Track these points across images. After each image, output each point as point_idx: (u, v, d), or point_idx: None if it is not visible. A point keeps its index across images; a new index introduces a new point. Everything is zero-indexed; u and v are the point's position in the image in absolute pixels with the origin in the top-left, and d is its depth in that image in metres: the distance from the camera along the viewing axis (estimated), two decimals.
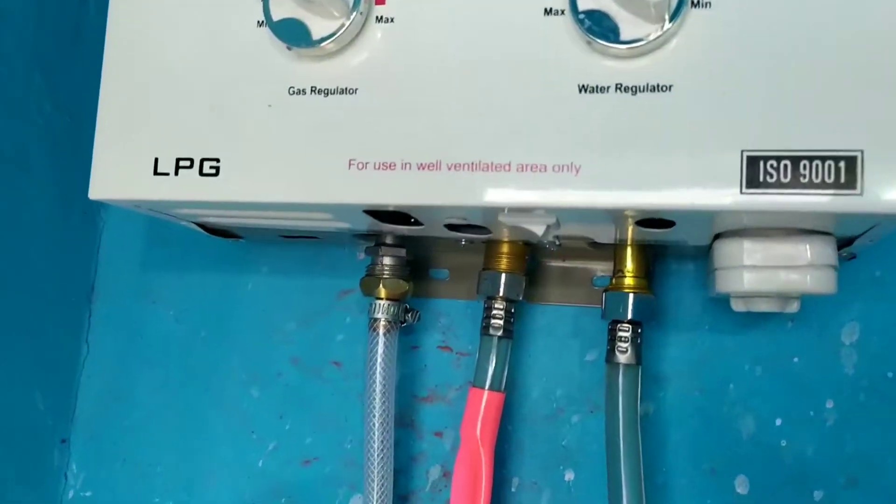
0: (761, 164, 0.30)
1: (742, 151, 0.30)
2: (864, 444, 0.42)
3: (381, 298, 0.44)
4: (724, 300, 0.43)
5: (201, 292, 0.52)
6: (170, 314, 0.53)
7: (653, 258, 0.43)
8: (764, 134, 0.30)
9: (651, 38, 0.31)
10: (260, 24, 0.36)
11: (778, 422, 0.43)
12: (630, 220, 0.34)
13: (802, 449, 0.43)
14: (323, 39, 0.34)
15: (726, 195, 0.30)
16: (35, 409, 0.50)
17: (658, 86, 0.31)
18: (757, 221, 0.33)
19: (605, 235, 0.39)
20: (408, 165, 0.34)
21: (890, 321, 0.43)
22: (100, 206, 0.54)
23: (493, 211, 0.34)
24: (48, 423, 0.51)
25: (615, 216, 0.34)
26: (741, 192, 0.30)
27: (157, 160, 0.37)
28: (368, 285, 0.44)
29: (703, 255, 0.43)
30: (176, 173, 0.36)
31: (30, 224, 0.49)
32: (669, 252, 0.44)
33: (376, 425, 0.44)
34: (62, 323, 0.52)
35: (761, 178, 0.30)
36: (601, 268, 0.46)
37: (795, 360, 0.43)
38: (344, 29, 0.34)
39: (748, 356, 0.44)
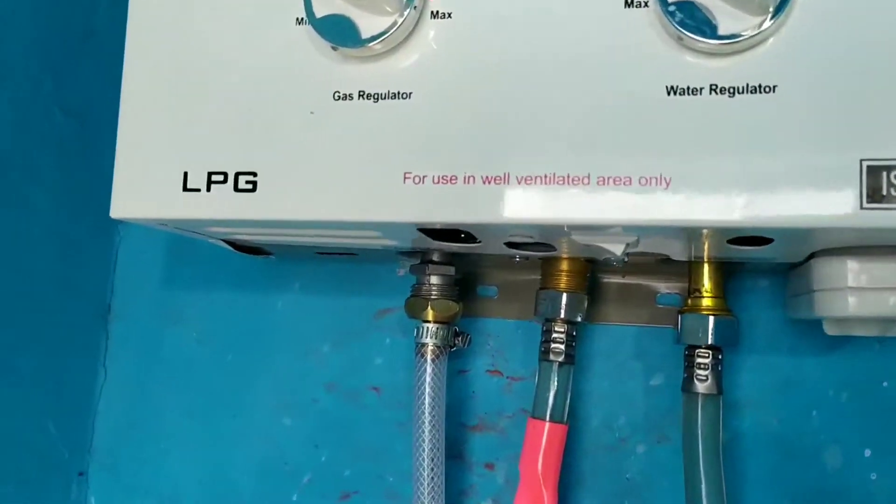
0: (884, 174, 0.26)
1: (861, 161, 0.26)
2: None
3: (429, 321, 0.40)
4: (805, 320, 0.39)
5: (227, 312, 0.49)
6: (193, 336, 0.49)
7: (726, 275, 0.39)
8: (887, 140, 0.26)
9: (752, 32, 0.27)
10: (300, 21, 0.32)
11: (867, 453, 0.39)
12: (722, 238, 0.31)
13: (895, 482, 0.39)
14: (373, 38, 0.31)
15: (843, 211, 0.27)
16: (49, 439, 0.46)
17: (760, 86, 0.28)
18: (874, 239, 0.29)
19: (682, 252, 0.35)
20: (471, 179, 0.30)
21: None
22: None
23: (568, 229, 0.30)
24: (64, 454, 0.47)
25: (706, 233, 0.30)
26: (861, 208, 0.26)
27: (186, 175, 0.33)
28: (414, 307, 0.40)
29: (780, 271, 0.40)
30: (208, 189, 0.33)
31: (40, 238, 0.45)
32: (744, 268, 0.40)
33: (426, 459, 0.40)
34: (77, 346, 0.49)
35: (885, 191, 0.26)
36: (665, 285, 0.42)
37: (885, 384, 0.40)
38: (397, 26, 0.30)
39: (832, 381, 0.40)
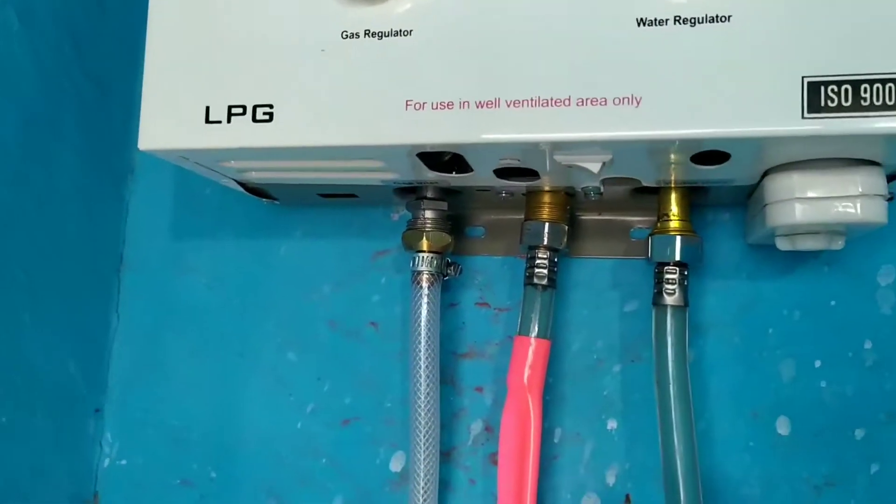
0: (822, 89, 0.31)
1: (803, 77, 0.31)
2: None
3: (424, 251, 0.44)
4: (761, 248, 0.44)
5: (233, 258, 0.52)
6: (201, 282, 0.52)
7: (691, 204, 0.43)
8: (824, 60, 0.31)
9: None
10: None
11: (817, 364, 0.44)
12: (685, 155, 0.35)
13: (842, 389, 0.43)
14: None
15: (787, 121, 0.31)
16: (70, 378, 0.50)
17: (717, 16, 0.32)
18: (815, 148, 0.33)
19: (652, 173, 0.39)
20: (466, 104, 0.34)
21: None
22: (128, 172, 0.54)
23: (552, 148, 0.35)
24: (82, 392, 0.51)
25: (671, 150, 0.34)
26: (802, 118, 0.31)
27: (208, 108, 0.37)
28: (411, 239, 0.44)
29: (740, 204, 0.44)
30: (228, 121, 0.36)
31: (63, 192, 0.49)
32: (706, 203, 0.45)
33: (422, 379, 0.44)
34: (93, 293, 0.52)
35: (822, 103, 0.31)
36: (638, 220, 0.47)
37: (833, 303, 0.44)
38: None
39: (787, 302, 0.44)
